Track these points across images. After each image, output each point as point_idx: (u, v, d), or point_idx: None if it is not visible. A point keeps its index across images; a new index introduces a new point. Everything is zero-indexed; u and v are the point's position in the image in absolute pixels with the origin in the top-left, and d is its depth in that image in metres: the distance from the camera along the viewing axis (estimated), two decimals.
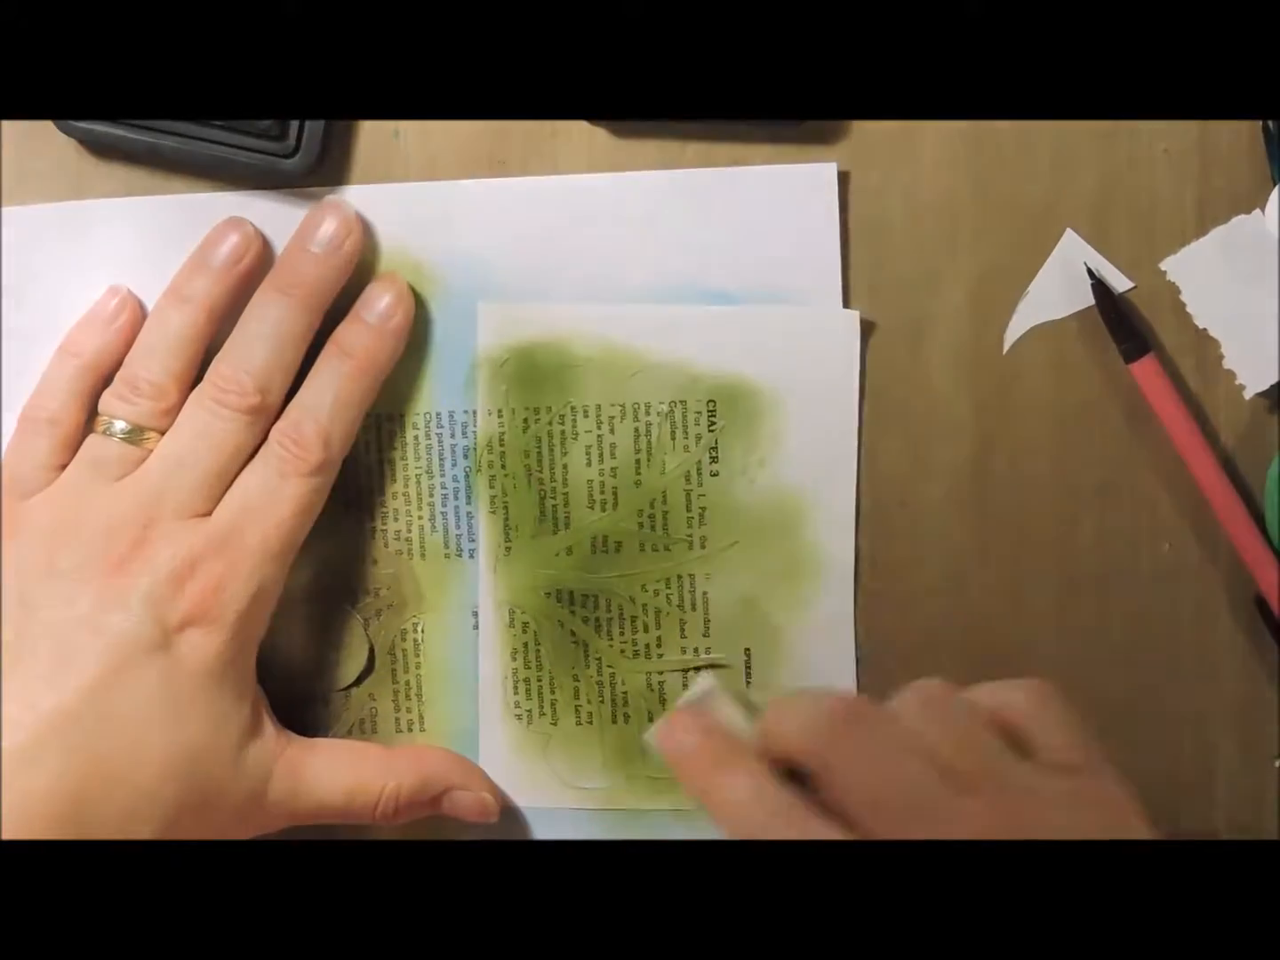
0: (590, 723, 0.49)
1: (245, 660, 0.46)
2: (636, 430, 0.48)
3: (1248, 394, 0.47)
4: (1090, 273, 0.47)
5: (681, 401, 0.48)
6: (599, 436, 0.48)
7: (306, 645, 0.49)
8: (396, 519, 0.49)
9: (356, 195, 0.48)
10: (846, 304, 0.48)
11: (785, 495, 0.48)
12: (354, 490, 0.49)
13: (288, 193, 0.48)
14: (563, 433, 0.48)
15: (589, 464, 0.48)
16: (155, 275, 0.47)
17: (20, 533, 0.45)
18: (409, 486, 0.49)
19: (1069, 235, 0.48)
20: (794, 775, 0.39)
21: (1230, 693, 0.49)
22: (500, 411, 0.48)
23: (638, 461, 0.48)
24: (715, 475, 0.48)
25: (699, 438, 0.48)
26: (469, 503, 0.49)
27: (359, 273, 0.47)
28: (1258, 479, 0.48)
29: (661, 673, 0.49)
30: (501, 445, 0.48)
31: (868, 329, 0.48)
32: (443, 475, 0.49)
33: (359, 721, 0.49)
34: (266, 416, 0.46)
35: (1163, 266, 0.47)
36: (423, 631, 0.49)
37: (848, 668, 0.49)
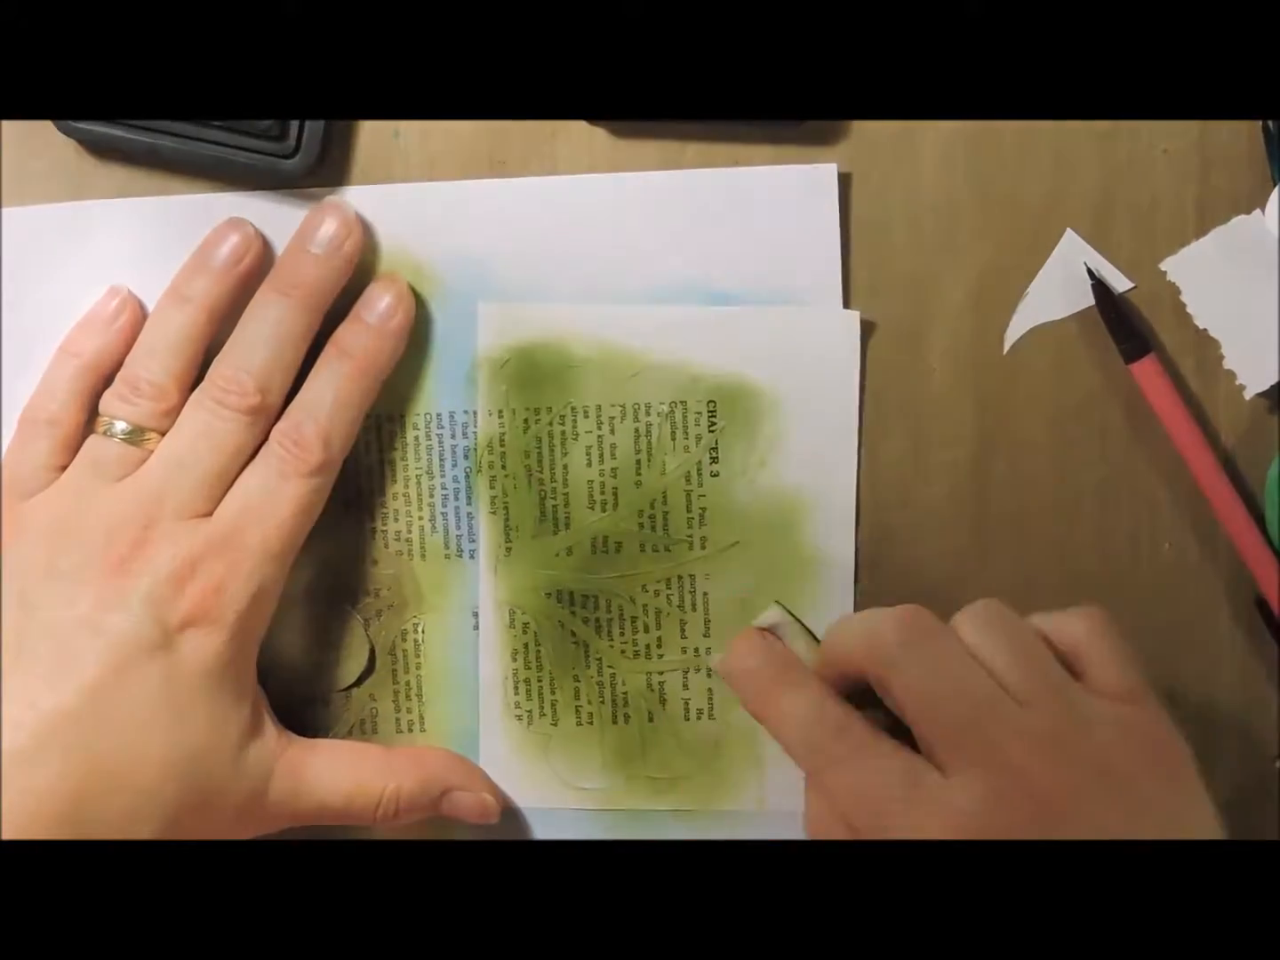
0: (591, 723, 0.49)
1: (245, 661, 0.46)
2: (637, 431, 0.48)
3: (1248, 394, 0.47)
4: (1090, 273, 0.47)
5: (682, 402, 0.48)
6: (599, 437, 0.48)
7: (307, 646, 0.49)
8: (397, 519, 0.49)
9: (356, 196, 0.48)
10: (846, 304, 0.48)
11: (785, 495, 0.48)
12: (354, 490, 0.49)
13: (288, 193, 0.48)
14: (563, 433, 0.48)
15: (589, 464, 0.48)
16: (155, 276, 0.47)
17: (21, 533, 0.45)
18: (409, 487, 0.49)
19: (1069, 235, 0.48)
20: (853, 700, 0.40)
21: (1230, 693, 0.49)
22: (500, 412, 0.48)
23: (638, 462, 0.48)
24: (715, 475, 0.48)
25: (699, 438, 0.48)
26: (469, 503, 0.49)
27: (359, 273, 0.47)
28: (1258, 479, 0.48)
29: (662, 673, 0.49)
30: (502, 446, 0.48)
31: (868, 329, 0.48)
32: (443, 476, 0.49)
33: (359, 722, 0.49)
34: (267, 417, 0.46)
35: (1163, 266, 0.47)
36: (423, 632, 0.49)
37: None
